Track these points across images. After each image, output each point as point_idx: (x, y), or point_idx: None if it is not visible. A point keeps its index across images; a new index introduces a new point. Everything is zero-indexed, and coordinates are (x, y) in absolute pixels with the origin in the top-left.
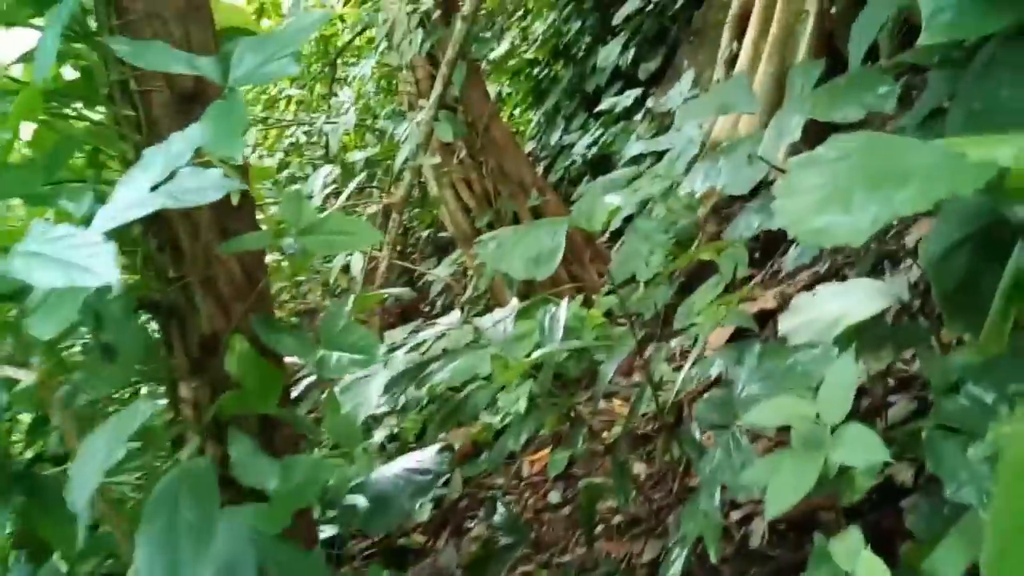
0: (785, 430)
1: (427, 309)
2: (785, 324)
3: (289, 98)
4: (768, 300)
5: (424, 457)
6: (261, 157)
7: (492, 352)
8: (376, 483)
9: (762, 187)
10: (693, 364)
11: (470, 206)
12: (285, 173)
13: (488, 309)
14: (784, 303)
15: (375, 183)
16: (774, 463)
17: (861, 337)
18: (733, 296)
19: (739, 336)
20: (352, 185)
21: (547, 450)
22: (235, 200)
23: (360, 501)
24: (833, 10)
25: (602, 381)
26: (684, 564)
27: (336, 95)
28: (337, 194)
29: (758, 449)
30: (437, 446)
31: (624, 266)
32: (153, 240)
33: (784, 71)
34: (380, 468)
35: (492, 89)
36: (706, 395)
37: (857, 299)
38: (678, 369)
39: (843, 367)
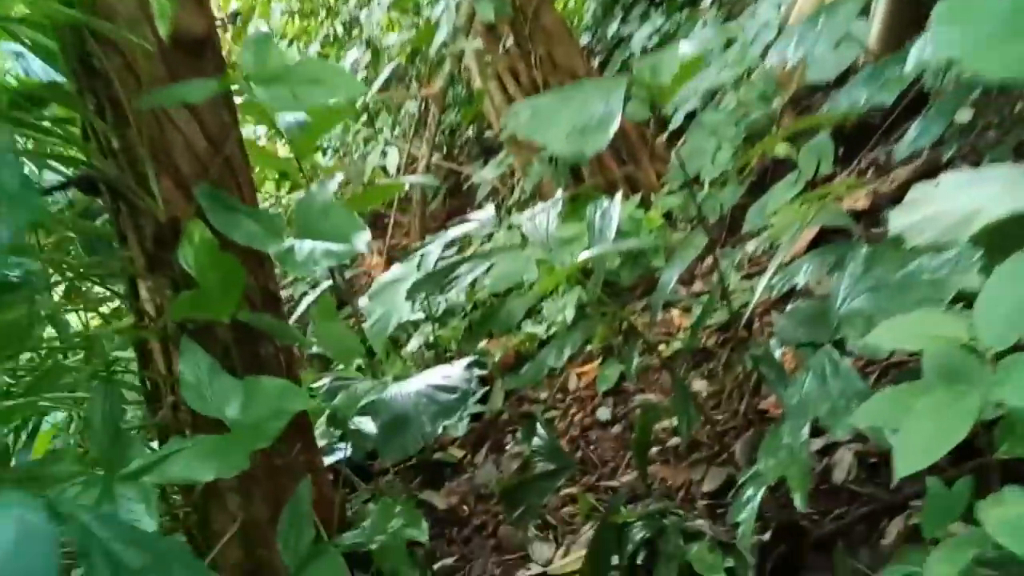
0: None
1: (473, 208)
2: (899, 220)
3: None
4: (859, 199)
5: (452, 372)
6: (298, 50)
7: (534, 254)
8: (393, 402)
9: (850, 74)
10: (775, 272)
11: (517, 100)
12: None
13: None
14: (879, 202)
15: (413, 72)
16: (900, 399)
17: (1002, 239)
18: (814, 194)
19: (823, 241)
20: (385, 73)
21: (596, 363)
22: (165, 30)
23: (367, 425)
24: None
25: (662, 289)
26: (759, 504)
27: None
28: (368, 83)
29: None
30: (466, 360)
31: (688, 162)
32: (90, 98)
33: None
34: (399, 384)
35: None
36: (789, 306)
37: (996, 190)
38: (747, 278)
39: (1011, 274)
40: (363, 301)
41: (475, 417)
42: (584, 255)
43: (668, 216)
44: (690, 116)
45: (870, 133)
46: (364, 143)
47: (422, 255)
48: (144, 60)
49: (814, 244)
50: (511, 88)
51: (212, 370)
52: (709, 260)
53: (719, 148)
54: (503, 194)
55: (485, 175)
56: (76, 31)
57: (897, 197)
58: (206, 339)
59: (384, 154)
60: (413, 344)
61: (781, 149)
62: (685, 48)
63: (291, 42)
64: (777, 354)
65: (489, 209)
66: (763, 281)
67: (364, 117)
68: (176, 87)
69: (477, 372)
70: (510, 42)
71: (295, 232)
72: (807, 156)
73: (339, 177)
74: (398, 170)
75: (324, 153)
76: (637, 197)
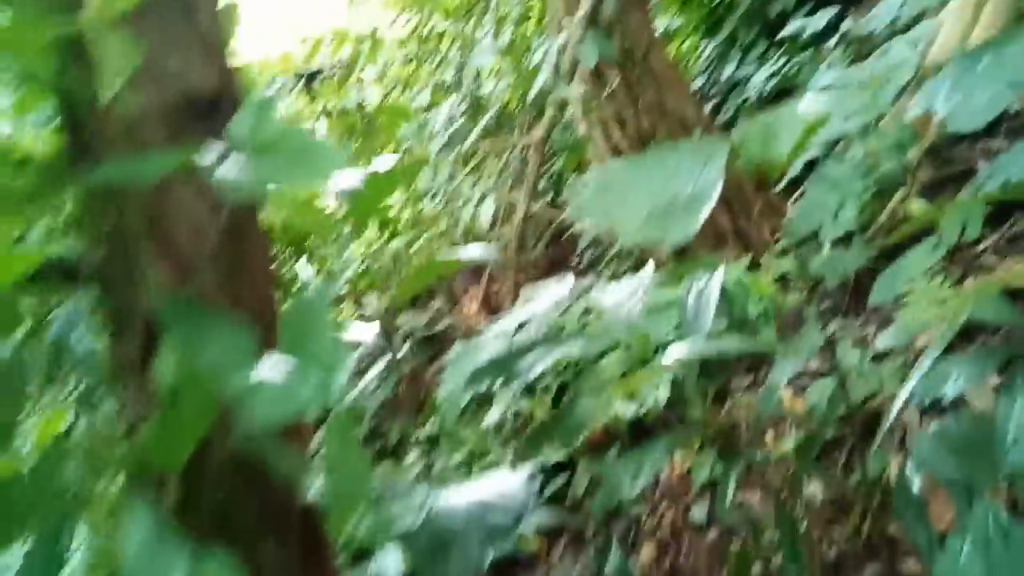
0: None
1: (576, 262)
2: None
3: (441, 34)
4: (1016, 274)
5: (508, 485)
6: (412, 99)
7: (616, 335)
8: (438, 518)
9: (1003, 121)
10: (911, 367)
11: (622, 148)
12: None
13: (638, 267)
14: None
15: (517, 119)
16: None
17: None
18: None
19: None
20: (484, 120)
21: (694, 446)
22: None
23: (391, 569)
24: None
25: (770, 395)
26: None
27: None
28: (468, 130)
29: None
30: (527, 470)
31: (805, 220)
32: (81, 167)
33: None
34: (447, 492)
35: (660, 24)
36: (934, 425)
37: None
38: (876, 360)
39: None
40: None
41: (553, 497)
42: (674, 353)
43: (783, 278)
44: (810, 164)
45: None
46: (472, 186)
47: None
48: (145, 123)
49: (968, 334)
50: (616, 135)
51: (158, 533)
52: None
53: (843, 204)
54: (605, 245)
55: (587, 224)
56: (65, 92)
57: None
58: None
59: (480, 202)
60: (494, 415)
61: (917, 207)
62: (808, 104)
63: (404, 88)
64: (916, 484)
65: (567, 281)
66: (902, 393)
67: (471, 164)
68: (171, 153)
69: (538, 481)
70: (616, 85)
71: (282, 347)
72: (951, 218)
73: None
74: (494, 220)
75: (432, 198)
76: (746, 260)
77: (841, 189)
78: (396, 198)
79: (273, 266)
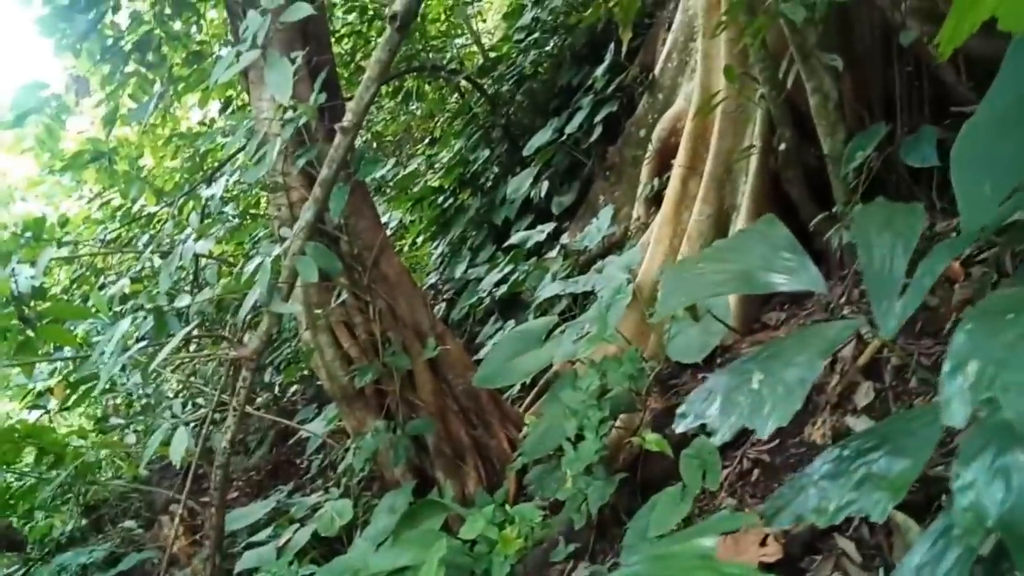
0: None
1: (304, 465)
2: None
3: (151, 217)
4: (770, 548)
5: None
6: (103, 287)
7: None
8: None
9: (716, 355)
10: None
11: (352, 356)
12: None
13: (376, 487)
14: (792, 549)
15: (222, 329)
16: None
17: None
18: (708, 524)
19: None
20: (177, 338)
21: None
22: None
23: None
24: (781, 147)
25: None
26: None
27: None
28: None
29: None
30: None
31: (541, 445)
32: None
33: (724, 212)
34: None
35: (392, 217)
36: None
37: None
38: None
39: None
40: None
41: None
42: None
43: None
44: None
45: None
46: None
47: None
48: None
49: None
50: (345, 343)
51: None
52: None
53: (581, 429)
54: (336, 454)
55: (315, 429)
56: None
57: (810, 542)
58: None
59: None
60: None
61: (651, 440)
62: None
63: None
64: None
65: None
66: None
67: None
68: None
69: None
70: (344, 294)
71: None
72: (689, 466)
73: None
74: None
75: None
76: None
77: (578, 415)
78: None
79: None
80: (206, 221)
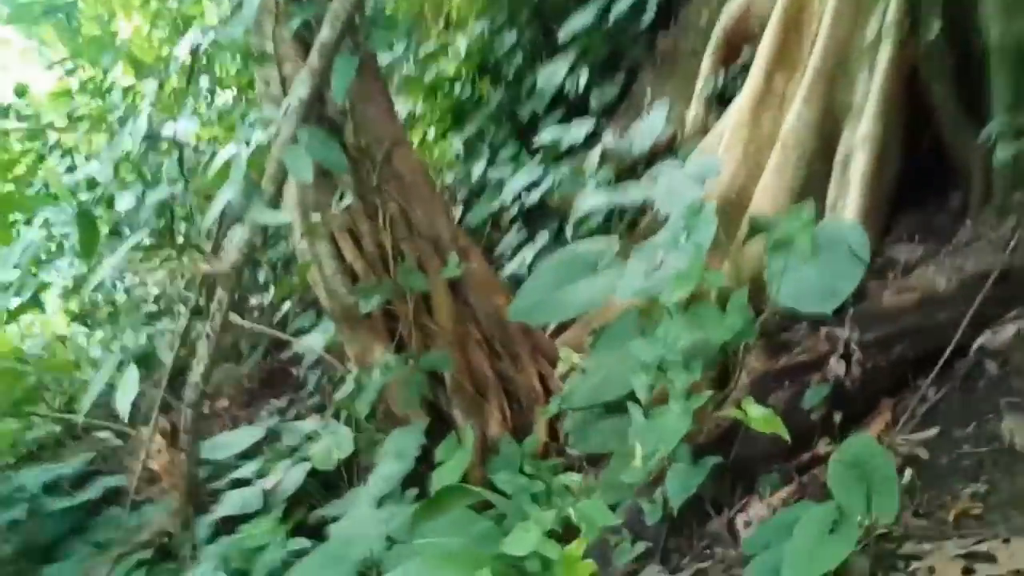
0: None
1: (299, 374)
2: None
3: (129, 91)
4: None
5: None
6: (72, 169)
7: None
8: None
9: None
10: None
11: (357, 271)
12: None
13: (380, 414)
14: None
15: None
16: None
17: None
18: None
19: None
20: (129, 243)
21: None
22: None
23: None
24: (930, 35)
25: None
26: None
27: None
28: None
29: None
30: None
31: (592, 395)
32: None
33: (832, 116)
34: None
35: (401, 110)
36: None
37: None
38: None
39: None
40: None
41: None
42: None
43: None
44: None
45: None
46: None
47: None
48: None
49: None
50: (349, 255)
51: None
52: None
53: (652, 384)
54: (337, 369)
55: (312, 344)
56: None
57: None
58: None
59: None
60: None
61: (760, 419)
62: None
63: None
64: None
65: None
66: None
67: None
68: None
69: None
70: (349, 195)
71: None
72: (845, 480)
73: None
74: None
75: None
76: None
77: (649, 369)
78: None
79: None
80: (183, 94)
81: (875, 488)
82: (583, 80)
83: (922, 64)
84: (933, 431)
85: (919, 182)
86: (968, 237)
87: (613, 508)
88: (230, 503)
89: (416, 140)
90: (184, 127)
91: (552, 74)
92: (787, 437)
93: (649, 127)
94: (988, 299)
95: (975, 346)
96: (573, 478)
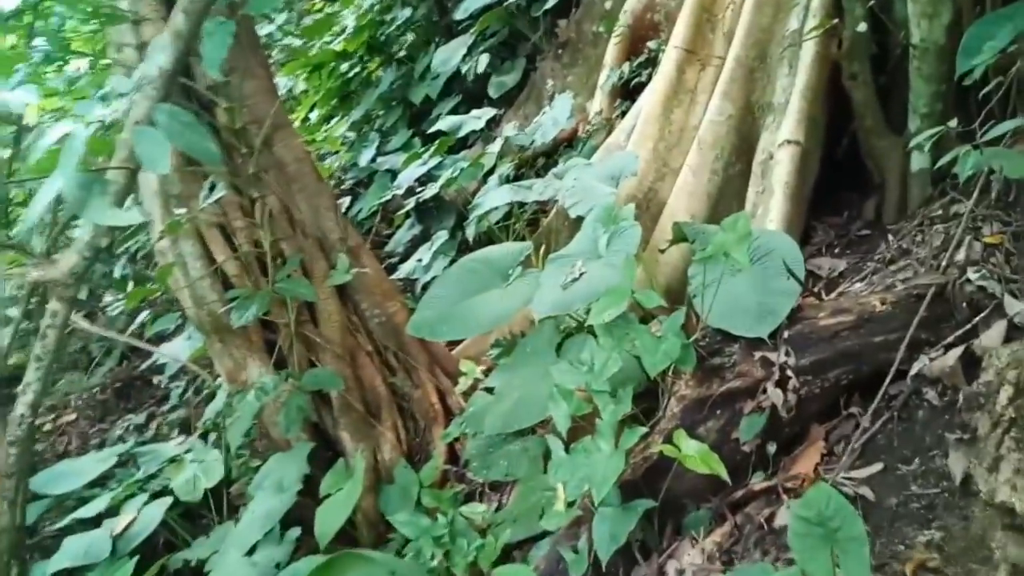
0: None
1: (160, 384)
2: None
3: None
4: None
5: None
6: None
7: None
8: None
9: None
10: None
11: (229, 275)
12: None
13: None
14: None
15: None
16: None
17: None
18: None
19: None
20: None
21: None
22: None
23: None
24: (857, 28)
25: None
26: None
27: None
28: None
29: None
30: None
31: (502, 421)
32: None
33: (750, 113)
34: None
35: (282, 85)
36: None
37: None
38: None
39: None
40: None
41: None
42: None
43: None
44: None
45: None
46: None
47: None
48: None
49: None
50: (220, 256)
51: None
52: None
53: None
54: (205, 385)
55: (175, 352)
56: None
57: None
58: None
59: None
60: None
61: (698, 457)
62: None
63: None
64: None
65: None
66: None
67: None
68: None
69: None
70: (222, 186)
71: None
72: (807, 539)
73: None
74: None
75: None
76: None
77: (569, 397)
78: None
79: None
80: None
81: (842, 550)
82: (482, 64)
83: (846, 61)
84: (876, 467)
85: (834, 186)
86: (892, 253)
87: (524, 544)
88: (70, 551)
89: (297, 122)
90: (19, 96)
91: (448, 56)
92: (725, 476)
93: (552, 119)
94: (922, 320)
95: (912, 372)
96: (477, 509)
